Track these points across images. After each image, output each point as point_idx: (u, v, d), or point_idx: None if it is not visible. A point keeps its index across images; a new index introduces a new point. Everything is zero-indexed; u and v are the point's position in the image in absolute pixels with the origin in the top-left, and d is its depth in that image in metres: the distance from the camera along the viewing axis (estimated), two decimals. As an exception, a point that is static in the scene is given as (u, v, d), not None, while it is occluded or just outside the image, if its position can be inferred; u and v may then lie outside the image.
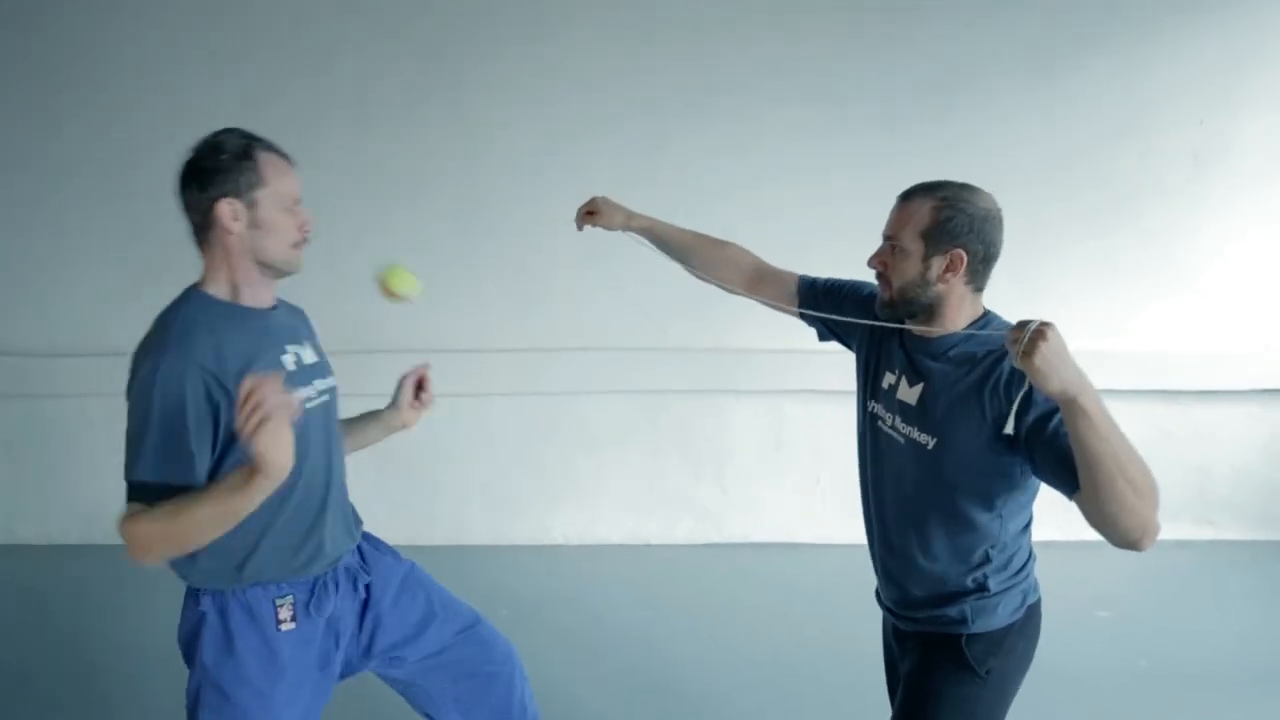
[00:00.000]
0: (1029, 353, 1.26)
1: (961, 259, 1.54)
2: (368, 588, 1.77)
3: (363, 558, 1.80)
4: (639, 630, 3.15)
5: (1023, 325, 1.30)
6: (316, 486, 1.64)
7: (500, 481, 3.82)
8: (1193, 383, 3.76)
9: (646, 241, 2.04)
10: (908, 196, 1.61)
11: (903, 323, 1.66)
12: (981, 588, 1.62)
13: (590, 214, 2.00)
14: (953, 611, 1.63)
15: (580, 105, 3.55)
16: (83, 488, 3.78)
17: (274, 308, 1.63)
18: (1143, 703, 2.73)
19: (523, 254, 3.62)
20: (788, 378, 3.67)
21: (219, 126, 1.54)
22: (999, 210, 1.58)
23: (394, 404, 1.90)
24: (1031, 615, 1.68)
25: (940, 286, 1.57)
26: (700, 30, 3.50)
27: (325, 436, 1.68)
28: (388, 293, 1.74)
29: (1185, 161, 3.66)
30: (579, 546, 3.82)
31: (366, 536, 1.85)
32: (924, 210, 1.56)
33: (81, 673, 2.85)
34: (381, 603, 1.78)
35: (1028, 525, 1.66)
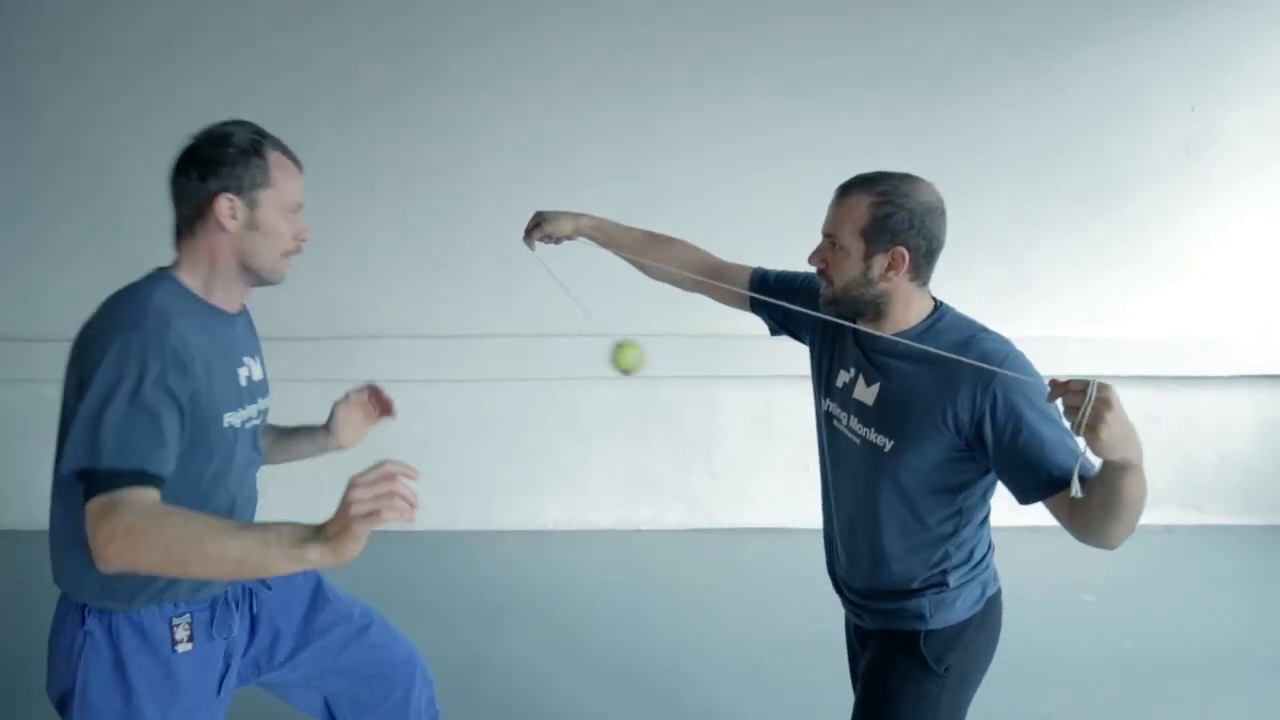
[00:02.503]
0: (1094, 426, 1.15)
1: (903, 256, 1.48)
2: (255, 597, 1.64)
3: None
4: (629, 616, 3.16)
5: (1073, 386, 1.18)
6: (242, 508, 1.55)
7: (490, 467, 3.81)
8: (1180, 369, 3.78)
9: (597, 244, 2.00)
10: (845, 191, 1.53)
11: (851, 320, 1.59)
12: (941, 583, 1.58)
13: (535, 228, 1.95)
14: (911, 606, 1.59)
15: (567, 94, 3.53)
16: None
17: (238, 314, 1.53)
18: (1128, 686, 2.75)
19: (510, 240, 3.59)
20: (778, 364, 3.65)
21: (202, 121, 1.47)
22: (941, 202, 1.51)
23: (329, 425, 1.80)
24: (991, 608, 1.64)
25: (883, 284, 1.51)
26: (687, 20, 3.48)
27: (252, 458, 1.58)
28: (620, 366, 1.81)
29: (1176, 148, 3.66)
30: (569, 532, 3.82)
31: None
32: (862, 207, 1.49)
33: (40, 660, 2.80)
34: (272, 611, 1.66)
35: (986, 518, 1.62)
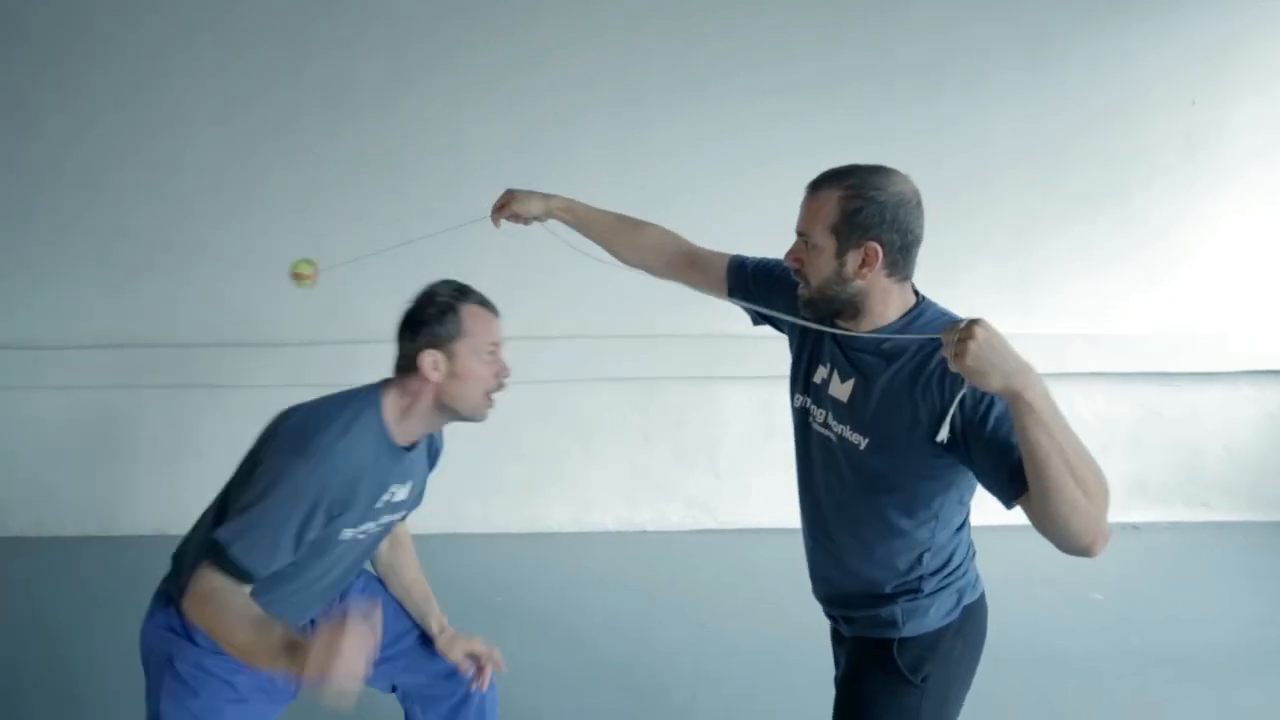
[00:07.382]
0: (960, 354, 1.17)
1: (876, 252, 1.42)
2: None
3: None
4: (632, 617, 3.14)
5: (952, 327, 1.21)
6: (324, 593, 1.76)
7: (492, 470, 3.79)
8: (1185, 364, 3.75)
9: (568, 229, 1.95)
10: (815, 187, 1.50)
11: (829, 320, 1.54)
12: (915, 589, 1.54)
13: (503, 207, 1.91)
14: (884, 613, 1.56)
15: (562, 93, 3.51)
16: (59, 480, 3.76)
17: (411, 448, 1.69)
18: (1137, 682, 2.74)
19: (508, 241, 3.58)
20: (779, 363, 3.62)
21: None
22: (916, 192, 1.46)
23: (441, 637, 1.93)
24: (970, 616, 1.58)
25: (859, 282, 1.45)
26: (683, 17, 3.46)
27: (360, 556, 1.77)
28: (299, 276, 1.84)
29: (1177, 143, 3.64)
30: (572, 534, 3.80)
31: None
32: (831, 202, 1.44)
33: (46, 667, 2.81)
34: None
35: (964, 523, 1.58)
